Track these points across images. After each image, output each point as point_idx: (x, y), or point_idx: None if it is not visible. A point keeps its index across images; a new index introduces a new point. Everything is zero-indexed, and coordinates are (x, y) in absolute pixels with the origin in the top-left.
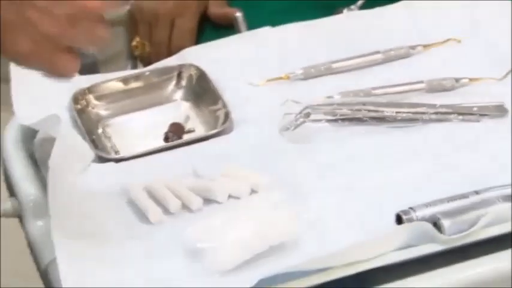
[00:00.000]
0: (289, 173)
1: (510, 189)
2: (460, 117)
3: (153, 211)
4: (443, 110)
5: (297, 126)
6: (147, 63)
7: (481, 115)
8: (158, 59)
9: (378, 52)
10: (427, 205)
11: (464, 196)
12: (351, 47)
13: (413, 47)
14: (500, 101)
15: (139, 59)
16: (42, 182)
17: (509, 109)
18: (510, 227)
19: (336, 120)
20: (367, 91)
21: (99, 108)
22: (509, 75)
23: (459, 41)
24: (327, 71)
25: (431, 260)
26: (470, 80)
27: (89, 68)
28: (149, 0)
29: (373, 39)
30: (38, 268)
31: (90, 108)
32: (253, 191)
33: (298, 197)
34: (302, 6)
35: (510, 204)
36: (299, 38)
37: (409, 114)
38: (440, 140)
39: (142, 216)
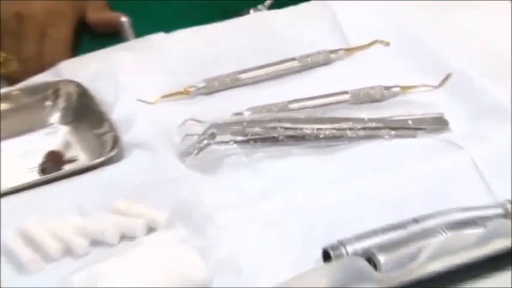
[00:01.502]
0: (194, 205)
1: (455, 215)
2: (393, 132)
3: (31, 259)
4: (373, 124)
5: (200, 149)
6: (15, 82)
7: (417, 129)
8: (29, 76)
9: (293, 59)
10: (359, 238)
11: (401, 226)
12: (261, 53)
13: (334, 52)
14: (439, 111)
15: (5, 77)
16: None
17: (450, 121)
18: (458, 259)
19: (246, 141)
20: (282, 105)
21: None
22: (447, 81)
23: (387, 44)
24: (234, 82)
25: None
26: (402, 88)
27: None
28: (12, 7)
29: (286, 43)
30: None
31: None
32: (150, 229)
33: (206, 233)
34: (197, 10)
35: (455, 232)
36: (200, 44)
37: (333, 131)
38: (371, 160)
39: (19, 265)
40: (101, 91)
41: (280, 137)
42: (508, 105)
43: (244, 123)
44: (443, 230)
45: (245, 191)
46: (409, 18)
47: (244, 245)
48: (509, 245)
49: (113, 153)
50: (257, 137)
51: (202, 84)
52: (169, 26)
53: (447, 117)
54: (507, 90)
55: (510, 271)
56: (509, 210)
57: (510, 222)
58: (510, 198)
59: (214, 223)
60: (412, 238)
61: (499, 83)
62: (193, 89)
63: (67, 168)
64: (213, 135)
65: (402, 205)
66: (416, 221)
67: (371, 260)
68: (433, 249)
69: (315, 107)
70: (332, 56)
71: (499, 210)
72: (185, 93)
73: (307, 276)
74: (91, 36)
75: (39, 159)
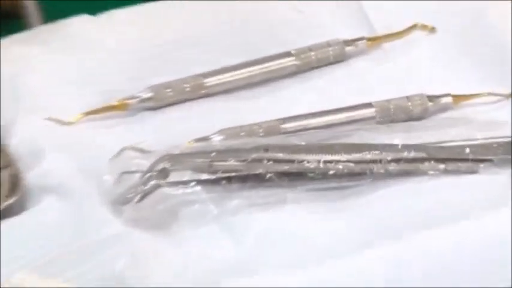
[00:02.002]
0: (136, 281)
1: None
2: (442, 166)
3: None
4: (411, 154)
5: (145, 195)
6: None
7: (479, 161)
8: None
9: (288, 54)
10: None
11: None
12: (239, 45)
13: (351, 43)
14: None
15: None
16: None
17: None
18: None
19: (216, 182)
20: (271, 125)
21: None
22: None
23: (432, 30)
24: (197, 91)
25: None
26: (456, 98)
27: None
28: None
29: (277, 30)
30: None
31: None
32: None
33: None
34: None
35: None
36: (143, 32)
37: (350, 164)
38: (407, 210)
39: None
40: None
41: (267, 175)
42: None
43: (213, 154)
44: None
45: (212, 260)
46: None
47: None
48: None
49: (10, 201)
50: (232, 174)
51: (148, 94)
52: (97, 5)
53: None
54: None
55: None
56: None
57: None
58: None
59: None
60: None
61: None
62: (133, 101)
63: None
64: (164, 172)
65: (455, 277)
66: None
67: None
68: None
69: (321, 128)
70: (348, 49)
71: None
72: (121, 107)
73: None
74: None
75: None
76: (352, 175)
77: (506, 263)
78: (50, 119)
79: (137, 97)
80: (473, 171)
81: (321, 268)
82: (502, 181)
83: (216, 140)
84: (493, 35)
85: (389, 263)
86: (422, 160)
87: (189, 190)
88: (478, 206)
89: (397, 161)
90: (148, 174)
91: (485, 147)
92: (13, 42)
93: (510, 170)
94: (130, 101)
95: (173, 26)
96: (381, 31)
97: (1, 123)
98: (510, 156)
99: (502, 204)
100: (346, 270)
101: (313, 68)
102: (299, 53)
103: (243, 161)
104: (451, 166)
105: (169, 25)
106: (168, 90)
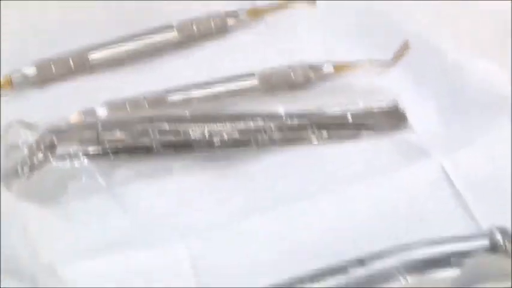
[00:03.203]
0: (26, 254)
1: (418, 252)
2: (324, 133)
3: None
4: (294, 122)
5: (33, 169)
6: None
7: (360, 128)
8: None
9: (169, 27)
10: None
11: (340, 270)
12: (123, 19)
13: (232, 14)
14: (393, 101)
15: None
16: None
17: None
18: None
19: (103, 154)
20: (156, 97)
21: None
22: (404, 55)
23: (312, 2)
24: (81, 66)
25: None
26: (337, 66)
27: None
28: None
29: (151, 4)
30: None
31: None
32: None
33: None
34: None
35: (418, 277)
36: (27, 10)
37: (234, 134)
38: (292, 177)
39: None
40: None
41: (154, 146)
42: (500, 91)
43: (99, 127)
44: (401, 274)
45: (103, 230)
46: None
47: None
48: None
49: None
50: (119, 146)
51: (32, 70)
52: None
53: (406, 109)
54: (500, 71)
55: None
56: (499, 241)
57: (500, 259)
58: (498, 225)
59: (58, 280)
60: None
61: (487, 57)
62: (17, 76)
63: None
64: (51, 146)
65: (340, 239)
66: (361, 262)
67: None
68: None
69: (205, 98)
70: (230, 20)
71: (484, 242)
72: (5, 84)
73: None
74: None
75: None
76: (237, 144)
77: (392, 224)
78: None
79: (21, 73)
80: (355, 138)
81: (208, 236)
82: (383, 147)
83: (102, 112)
84: (375, 3)
85: (272, 230)
86: (305, 128)
87: (76, 163)
88: (361, 171)
89: (280, 129)
90: (36, 148)
91: (367, 113)
92: None
93: (391, 135)
94: (14, 76)
95: (57, 4)
96: (261, 3)
97: None
98: (391, 122)
99: (385, 169)
100: (231, 238)
101: (196, 40)
102: (181, 25)
103: (129, 132)
104: (334, 133)
105: (52, 3)
106: (52, 65)
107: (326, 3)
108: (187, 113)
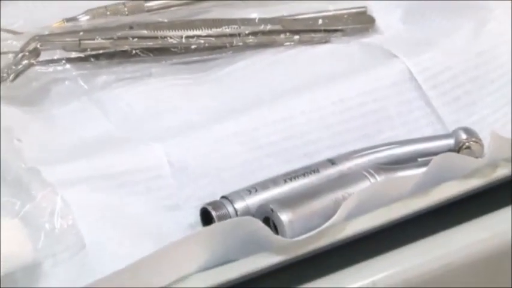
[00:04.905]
0: (11, 155)
1: (385, 152)
2: (296, 37)
3: None
4: (267, 27)
5: (18, 73)
6: None
7: (330, 31)
8: None
9: None
10: (251, 190)
11: (311, 170)
12: None
13: None
14: (361, 5)
15: None
16: None
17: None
18: (390, 215)
19: (85, 59)
20: (134, 4)
21: None
22: None
23: None
24: None
25: None
26: None
27: None
28: None
29: None
30: None
31: None
32: None
33: (30, 195)
34: None
35: (386, 175)
36: None
37: (210, 39)
38: (265, 78)
39: None
40: None
41: (133, 51)
42: None
43: (81, 33)
44: (369, 173)
45: (85, 132)
46: None
47: (86, 210)
48: (462, 189)
49: None
50: (100, 52)
51: None
52: None
53: (374, 12)
54: None
55: (463, 226)
56: (464, 140)
57: (465, 157)
58: (463, 126)
59: (41, 180)
60: (326, 187)
61: None
62: None
63: None
64: (35, 52)
65: (311, 144)
66: (332, 162)
67: (269, 221)
68: (355, 201)
69: (182, 4)
70: None
71: (449, 142)
72: None
73: (179, 245)
74: None
75: None
76: (213, 48)
77: (361, 125)
78: None
79: None
80: (325, 41)
81: (184, 136)
82: (352, 49)
83: (84, 19)
84: None
85: (246, 132)
86: (278, 32)
87: (59, 68)
88: (330, 73)
89: (254, 34)
90: (21, 54)
91: (337, 18)
92: None
93: (360, 39)
94: None
95: None
96: None
97: None
98: (360, 26)
99: (353, 71)
100: (206, 139)
101: None
102: None
103: (110, 38)
104: (305, 37)
105: None
106: None
107: None
108: (165, 19)
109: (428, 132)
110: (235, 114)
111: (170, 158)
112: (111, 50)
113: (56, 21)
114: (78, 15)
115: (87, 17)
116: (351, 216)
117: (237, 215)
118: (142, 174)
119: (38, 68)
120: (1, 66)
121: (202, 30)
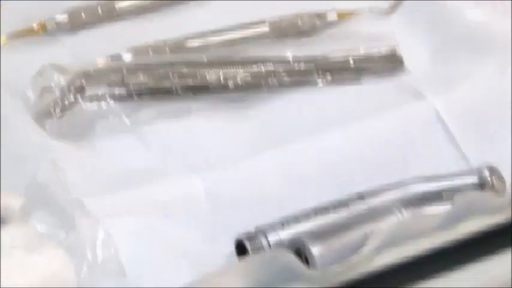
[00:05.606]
0: (58, 186)
1: (413, 188)
2: (329, 77)
3: None
4: (301, 66)
5: (64, 109)
6: None
7: (361, 71)
8: None
9: None
10: (285, 223)
11: (342, 204)
12: None
13: None
14: (391, 46)
15: None
16: None
17: (407, 58)
18: (417, 249)
19: (128, 96)
20: (176, 43)
21: None
22: (401, 3)
23: None
24: (109, 13)
25: None
26: (340, 14)
27: None
28: None
29: None
30: None
31: None
32: (1, 222)
33: (75, 224)
34: None
35: (413, 211)
36: None
37: (247, 77)
38: (299, 116)
39: None
40: None
41: (174, 88)
42: (493, 36)
43: (124, 70)
44: (397, 209)
45: (127, 164)
46: None
47: (128, 239)
48: (485, 225)
49: None
50: (142, 88)
51: (63, 16)
52: None
53: (403, 53)
54: (490, 15)
55: (487, 261)
56: (487, 178)
57: (488, 194)
58: (487, 163)
59: (84, 211)
60: (355, 221)
61: (479, 4)
62: (51, 23)
63: None
64: (81, 88)
65: (343, 177)
66: (361, 196)
67: (301, 253)
68: (383, 235)
69: (221, 44)
70: None
71: (473, 179)
72: (40, 30)
73: (215, 277)
74: None
75: None
76: (249, 87)
77: (389, 161)
78: None
79: (54, 20)
80: (356, 81)
81: (221, 170)
82: (382, 89)
83: (126, 57)
84: None
85: (280, 166)
86: (311, 71)
87: (103, 104)
88: (361, 111)
89: (289, 73)
90: (67, 90)
91: (367, 58)
92: None
93: (390, 78)
94: (48, 23)
95: None
96: None
97: None
98: (389, 66)
99: (383, 109)
100: (242, 172)
101: None
102: None
103: (151, 76)
104: (337, 77)
105: None
106: (82, 12)
107: None
108: (204, 57)
109: (453, 168)
110: (271, 148)
111: (208, 189)
112: (153, 87)
113: (100, 57)
114: (122, 52)
115: (130, 55)
116: (378, 249)
117: (270, 247)
118: (181, 205)
119: (83, 103)
120: (49, 102)
121: (239, 68)
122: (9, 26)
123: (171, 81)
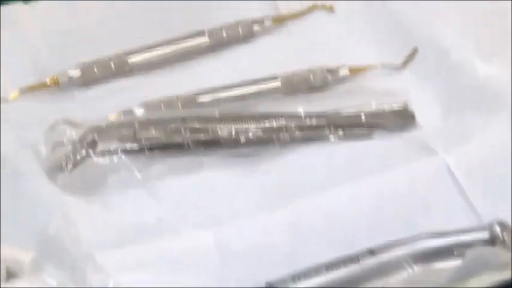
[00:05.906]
0: (69, 240)
1: (423, 243)
2: (340, 132)
3: None
4: (313, 122)
5: (76, 163)
6: None
7: (373, 127)
8: None
9: (201, 33)
10: (295, 278)
11: (352, 260)
12: (156, 26)
13: (258, 21)
14: (403, 102)
15: None
16: None
17: (418, 114)
18: None
19: (140, 150)
20: (187, 98)
21: None
22: (413, 59)
23: (331, 9)
24: (121, 68)
25: None
26: (352, 70)
27: None
28: None
29: (191, 10)
30: None
31: None
32: (10, 275)
33: (85, 279)
34: None
35: (424, 266)
36: (67, 15)
37: (258, 132)
38: (310, 172)
39: None
40: None
41: (186, 143)
42: (503, 91)
43: (136, 125)
44: (408, 264)
45: (138, 219)
46: None
47: None
48: (496, 281)
49: None
50: (154, 143)
51: (76, 72)
52: None
53: (414, 109)
54: (500, 70)
55: None
56: (498, 233)
57: (499, 250)
58: (498, 218)
59: (96, 265)
60: (366, 276)
61: (489, 60)
62: (63, 78)
63: None
64: (93, 143)
65: (353, 232)
66: (372, 252)
67: None
68: None
69: (233, 99)
70: (256, 27)
71: (484, 234)
72: (52, 84)
73: None
74: None
75: None
76: (261, 142)
77: (400, 216)
78: None
79: (66, 74)
80: (368, 136)
81: (233, 225)
82: (393, 144)
83: (138, 112)
84: (388, 11)
85: (291, 221)
86: (323, 127)
87: (115, 159)
88: (372, 167)
89: (300, 128)
90: (79, 145)
91: (379, 114)
92: None
93: (401, 134)
94: (60, 78)
95: (96, 7)
96: (284, 10)
97: None
98: (401, 122)
99: (394, 165)
100: (254, 227)
101: (225, 46)
102: (212, 31)
103: (164, 131)
104: (348, 132)
105: (92, 6)
106: (94, 67)
107: (344, 10)
108: (216, 112)
109: (464, 223)
110: (281, 203)
111: (218, 243)
112: (165, 141)
113: (112, 113)
114: (134, 107)
115: (142, 110)
116: None
117: None
118: (192, 260)
119: (95, 158)
120: (61, 156)
121: (251, 123)
122: (22, 79)
123: (182, 136)
